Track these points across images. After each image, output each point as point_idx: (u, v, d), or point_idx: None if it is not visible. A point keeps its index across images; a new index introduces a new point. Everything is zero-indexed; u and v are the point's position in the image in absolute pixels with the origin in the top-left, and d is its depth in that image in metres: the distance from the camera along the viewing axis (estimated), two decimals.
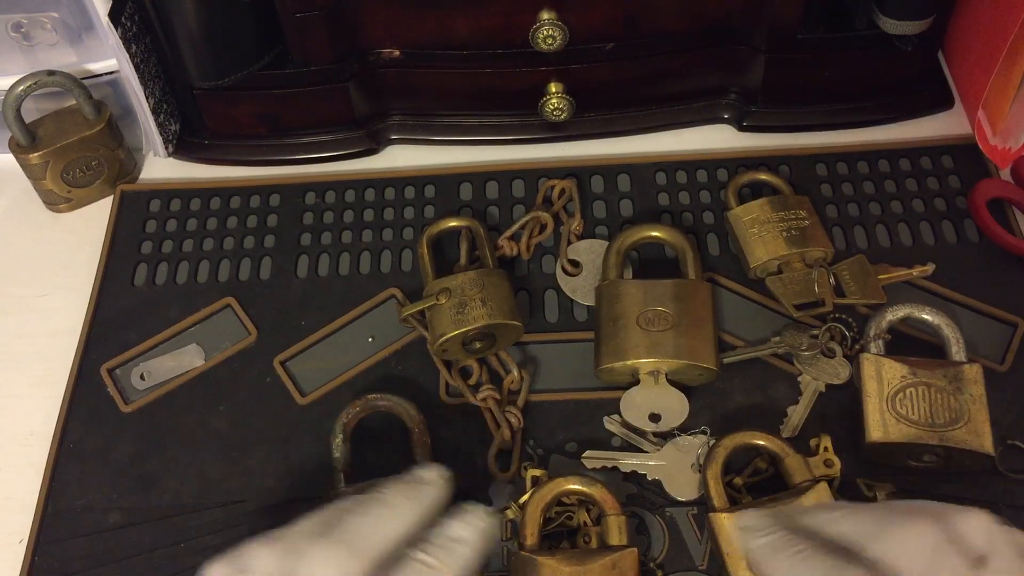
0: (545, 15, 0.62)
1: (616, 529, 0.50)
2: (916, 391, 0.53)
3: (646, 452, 0.55)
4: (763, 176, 0.66)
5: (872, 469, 0.54)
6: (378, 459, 0.56)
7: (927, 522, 0.40)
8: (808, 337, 0.57)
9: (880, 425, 0.53)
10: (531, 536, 0.50)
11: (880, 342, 0.56)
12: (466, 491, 0.54)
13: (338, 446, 0.54)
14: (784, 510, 0.46)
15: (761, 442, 0.52)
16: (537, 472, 0.53)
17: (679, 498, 0.53)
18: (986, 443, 0.52)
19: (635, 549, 0.49)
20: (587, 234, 0.65)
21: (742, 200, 0.64)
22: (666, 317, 0.56)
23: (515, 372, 0.57)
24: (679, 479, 0.54)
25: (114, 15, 0.61)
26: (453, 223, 0.63)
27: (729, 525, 0.49)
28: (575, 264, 0.63)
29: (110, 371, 0.60)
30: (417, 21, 0.64)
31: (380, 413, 0.56)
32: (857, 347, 0.57)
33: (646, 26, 0.64)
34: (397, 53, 0.66)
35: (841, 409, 0.56)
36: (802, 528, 0.44)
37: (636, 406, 0.55)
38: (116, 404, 0.59)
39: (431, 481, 0.45)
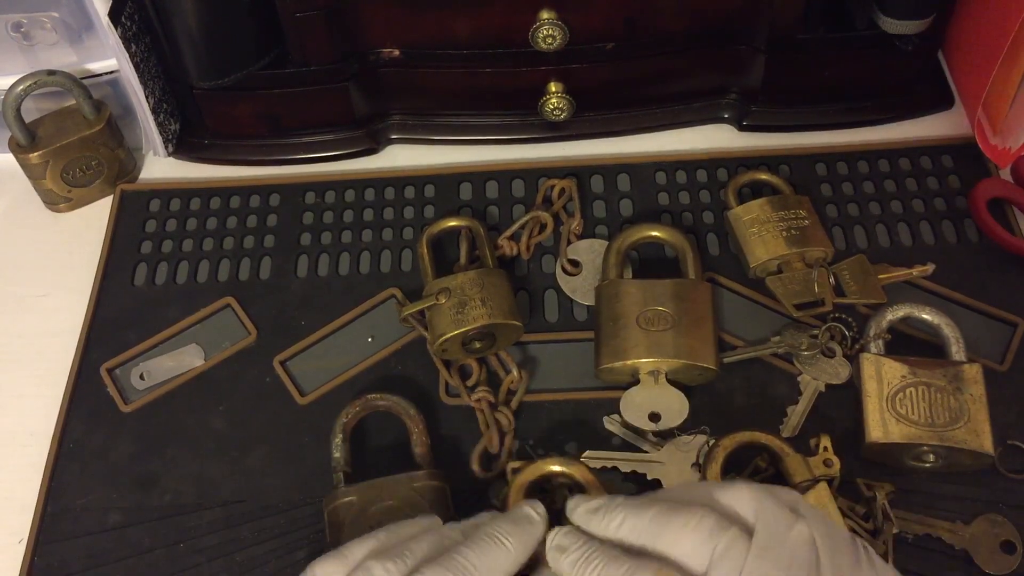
0: (545, 15, 0.62)
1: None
2: (916, 391, 0.53)
3: (646, 452, 0.55)
4: (763, 176, 0.66)
5: (872, 469, 0.54)
6: (378, 459, 0.56)
7: (699, 510, 0.42)
8: (808, 337, 0.57)
9: (880, 425, 0.53)
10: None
11: (880, 342, 0.56)
12: (466, 491, 0.54)
13: (338, 446, 0.54)
14: (580, 514, 0.45)
15: (761, 441, 0.52)
16: (516, 464, 0.53)
17: None
18: (986, 443, 0.52)
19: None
20: (587, 234, 0.65)
21: (742, 200, 0.64)
22: (666, 317, 0.56)
23: (515, 372, 0.57)
24: (679, 479, 0.54)
25: (114, 15, 0.61)
26: (453, 223, 0.63)
27: None
28: (575, 264, 0.63)
29: (110, 371, 0.60)
30: (417, 21, 0.64)
31: (380, 413, 0.56)
32: (857, 347, 0.57)
33: (646, 26, 0.64)
34: (397, 53, 0.66)
35: (841, 409, 0.56)
36: (598, 535, 0.44)
37: (636, 406, 0.55)
38: (116, 404, 0.59)
39: (537, 521, 0.46)
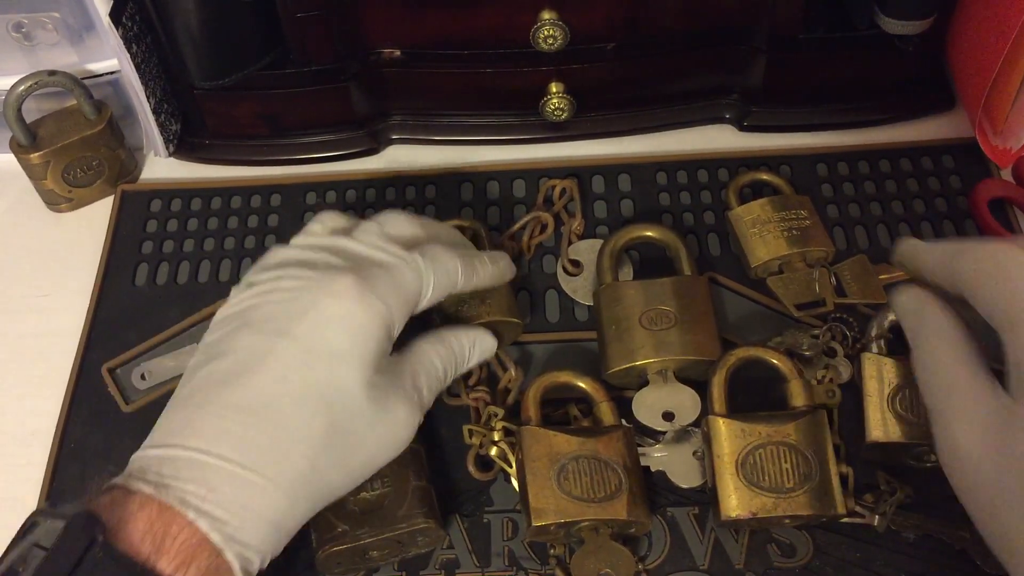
0: (546, 15, 0.62)
1: (609, 413, 0.54)
2: (916, 391, 0.53)
3: (648, 444, 0.55)
4: (764, 176, 0.66)
5: (873, 469, 0.54)
6: None
7: None
8: (809, 337, 0.57)
9: (880, 424, 0.52)
10: (535, 415, 0.53)
11: (881, 342, 0.56)
12: (466, 491, 0.54)
13: None
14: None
15: (768, 358, 0.54)
16: (499, 411, 0.55)
17: (683, 485, 0.53)
18: None
19: (631, 426, 0.53)
20: (588, 234, 0.65)
21: (743, 200, 0.64)
22: (668, 315, 0.56)
23: (512, 371, 0.57)
24: (682, 467, 0.54)
25: (115, 15, 0.61)
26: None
27: (726, 429, 0.51)
28: (576, 264, 0.63)
29: (111, 371, 0.60)
30: (417, 21, 0.64)
31: None
32: (858, 346, 0.57)
33: (647, 26, 0.64)
34: (397, 53, 0.66)
35: (842, 409, 0.56)
36: None
37: (648, 407, 0.55)
38: (117, 404, 0.59)
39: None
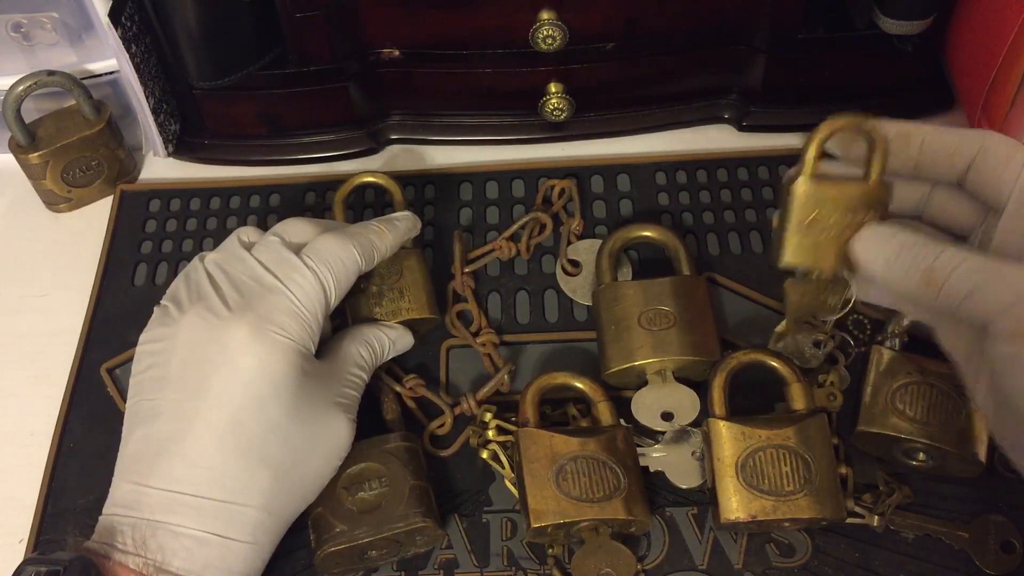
0: (545, 15, 0.62)
1: (607, 412, 0.54)
2: (919, 389, 0.53)
3: (647, 444, 0.55)
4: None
5: (869, 465, 0.54)
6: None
7: None
8: (810, 346, 0.57)
9: (872, 416, 0.52)
10: (533, 417, 0.53)
11: (896, 340, 0.56)
12: (465, 490, 0.54)
13: None
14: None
15: (769, 362, 0.53)
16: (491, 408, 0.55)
17: (681, 486, 0.53)
18: (979, 450, 0.51)
19: (630, 426, 0.53)
20: (587, 234, 0.65)
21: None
22: (667, 315, 0.56)
23: (505, 376, 0.57)
24: (681, 468, 0.54)
25: (114, 15, 0.61)
26: (368, 179, 0.63)
27: (726, 432, 0.51)
28: (575, 264, 0.63)
29: (110, 371, 0.60)
30: (417, 21, 0.64)
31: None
32: (880, 337, 0.56)
33: (646, 26, 0.64)
34: (397, 53, 0.66)
35: (844, 411, 0.56)
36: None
37: (647, 407, 0.55)
38: (116, 404, 0.59)
39: (402, 218, 0.58)
